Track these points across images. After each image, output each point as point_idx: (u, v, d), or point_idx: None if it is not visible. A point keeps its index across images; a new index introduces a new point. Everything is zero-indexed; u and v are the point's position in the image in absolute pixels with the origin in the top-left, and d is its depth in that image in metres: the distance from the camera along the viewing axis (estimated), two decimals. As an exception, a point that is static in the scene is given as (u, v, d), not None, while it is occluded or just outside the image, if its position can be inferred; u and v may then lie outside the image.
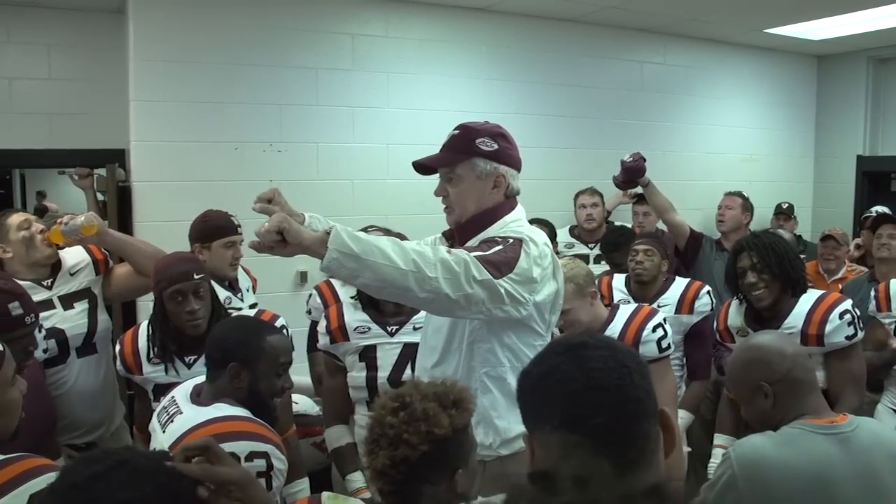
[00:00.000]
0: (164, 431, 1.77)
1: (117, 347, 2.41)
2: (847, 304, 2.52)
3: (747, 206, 4.46)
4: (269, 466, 1.67)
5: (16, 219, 2.65)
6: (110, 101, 4.00)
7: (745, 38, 5.36)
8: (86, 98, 4.11)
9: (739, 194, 4.49)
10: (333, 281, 3.09)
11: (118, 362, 2.41)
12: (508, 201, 1.96)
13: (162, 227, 3.72)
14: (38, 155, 4.13)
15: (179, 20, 3.80)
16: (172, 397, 1.88)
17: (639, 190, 4.66)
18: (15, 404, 1.48)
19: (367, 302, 2.52)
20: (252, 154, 3.99)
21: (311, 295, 3.18)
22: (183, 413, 1.78)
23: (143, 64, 3.76)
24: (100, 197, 4.42)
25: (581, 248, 4.37)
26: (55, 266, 2.70)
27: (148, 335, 2.35)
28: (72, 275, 2.72)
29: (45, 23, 4.07)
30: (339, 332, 2.51)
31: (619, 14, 4.65)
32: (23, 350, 1.98)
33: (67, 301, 2.67)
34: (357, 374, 2.51)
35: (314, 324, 3.08)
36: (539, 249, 1.86)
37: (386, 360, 2.45)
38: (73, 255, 2.79)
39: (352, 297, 2.61)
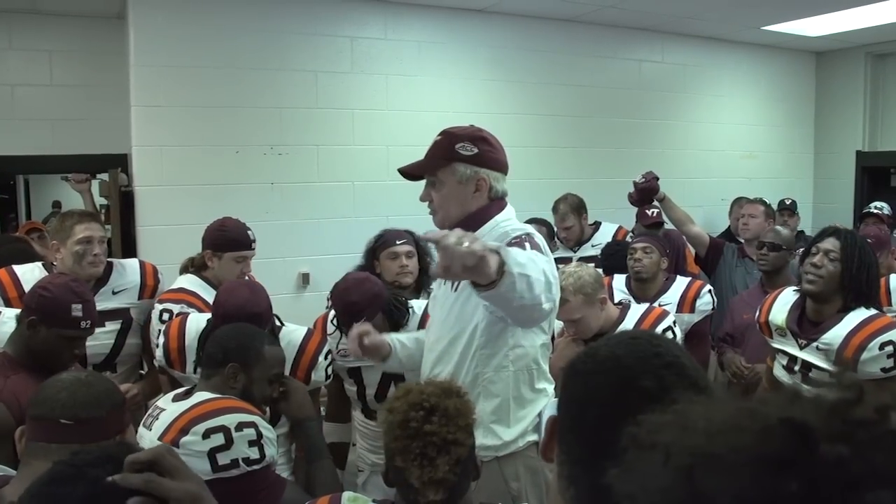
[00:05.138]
0: (150, 429, 1.79)
1: (161, 339, 2.36)
2: (894, 335, 2.26)
3: (770, 213, 4.35)
4: (259, 434, 1.73)
5: (80, 230, 2.61)
6: (112, 106, 4.03)
7: (742, 36, 5.37)
8: (87, 104, 4.15)
9: (761, 201, 4.38)
10: None
11: (159, 351, 2.35)
12: (496, 203, 1.98)
13: (164, 231, 3.76)
14: (42, 160, 4.17)
15: (179, 25, 3.83)
16: (155, 405, 1.91)
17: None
18: None
19: (344, 328, 2.50)
20: (253, 157, 4.02)
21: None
22: (166, 409, 1.81)
23: (144, 69, 3.79)
24: (103, 202, 4.45)
25: (565, 252, 4.20)
26: (101, 280, 2.66)
27: (199, 341, 2.30)
28: (114, 293, 2.69)
29: (46, 29, 4.10)
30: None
31: (617, 13, 4.67)
32: (70, 352, 2.09)
33: (99, 319, 2.53)
34: (349, 387, 2.62)
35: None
36: (540, 239, 1.89)
37: (371, 379, 2.53)
38: (128, 272, 2.77)
39: (333, 321, 2.60)
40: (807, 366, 2.42)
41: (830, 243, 2.40)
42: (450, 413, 1.37)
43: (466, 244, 1.36)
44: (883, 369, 2.25)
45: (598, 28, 4.95)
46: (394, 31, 4.35)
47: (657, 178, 4.22)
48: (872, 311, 2.36)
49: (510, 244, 1.78)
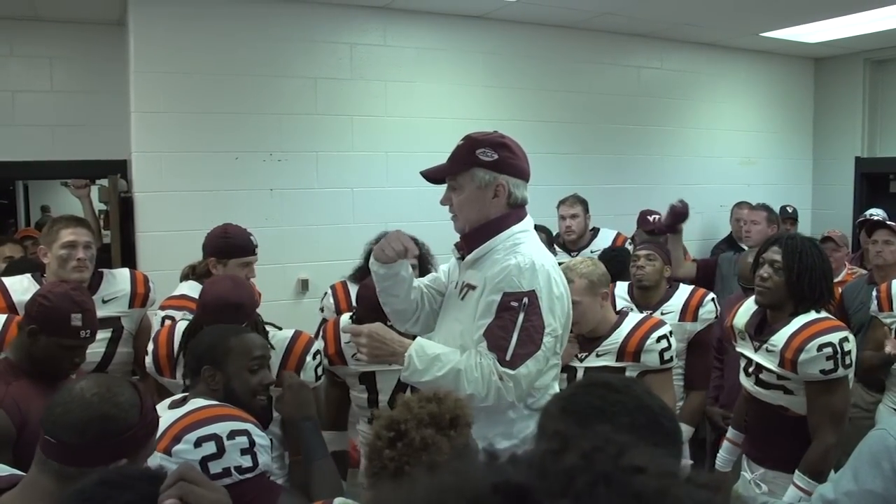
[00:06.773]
0: None
1: (150, 346, 2.38)
2: (833, 337, 2.27)
3: (772, 219, 4.28)
4: (252, 443, 1.73)
5: (65, 234, 2.61)
6: (112, 112, 4.05)
7: (741, 42, 5.39)
8: (87, 109, 4.16)
9: (764, 207, 4.32)
10: (351, 283, 3.08)
11: (148, 358, 2.37)
12: (515, 211, 1.97)
13: (163, 237, 3.77)
14: (41, 166, 4.18)
15: (179, 32, 3.84)
16: None
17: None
18: None
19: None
20: (252, 163, 4.03)
21: (325, 294, 3.18)
22: (161, 417, 1.80)
23: (144, 75, 3.80)
24: (102, 207, 4.45)
25: (564, 257, 4.19)
26: (90, 288, 2.64)
27: (182, 339, 2.32)
28: (104, 302, 2.68)
29: (47, 36, 4.11)
30: (337, 357, 2.52)
31: (616, 20, 4.68)
32: (70, 360, 2.08)
33: None
34: (358, 395, 2.54)
35: (325, 322, 3.07)
36: (547, 283, 1.86)
37: (386, 385, 2.47)
38: (118, 281, 2.77)
39: (351, 319, 2.58)
40: (760, 368, 2.45)
41: (774, 253, 2.44)
42: (415, 445, 1.33)
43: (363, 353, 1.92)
44: (822, 371, 2.26)
45: (597, 34, 4.96)
46: (393, 38, 4.36)
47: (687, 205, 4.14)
48: (821, 315, 2.38)
49: (502, 306, 1.82)
